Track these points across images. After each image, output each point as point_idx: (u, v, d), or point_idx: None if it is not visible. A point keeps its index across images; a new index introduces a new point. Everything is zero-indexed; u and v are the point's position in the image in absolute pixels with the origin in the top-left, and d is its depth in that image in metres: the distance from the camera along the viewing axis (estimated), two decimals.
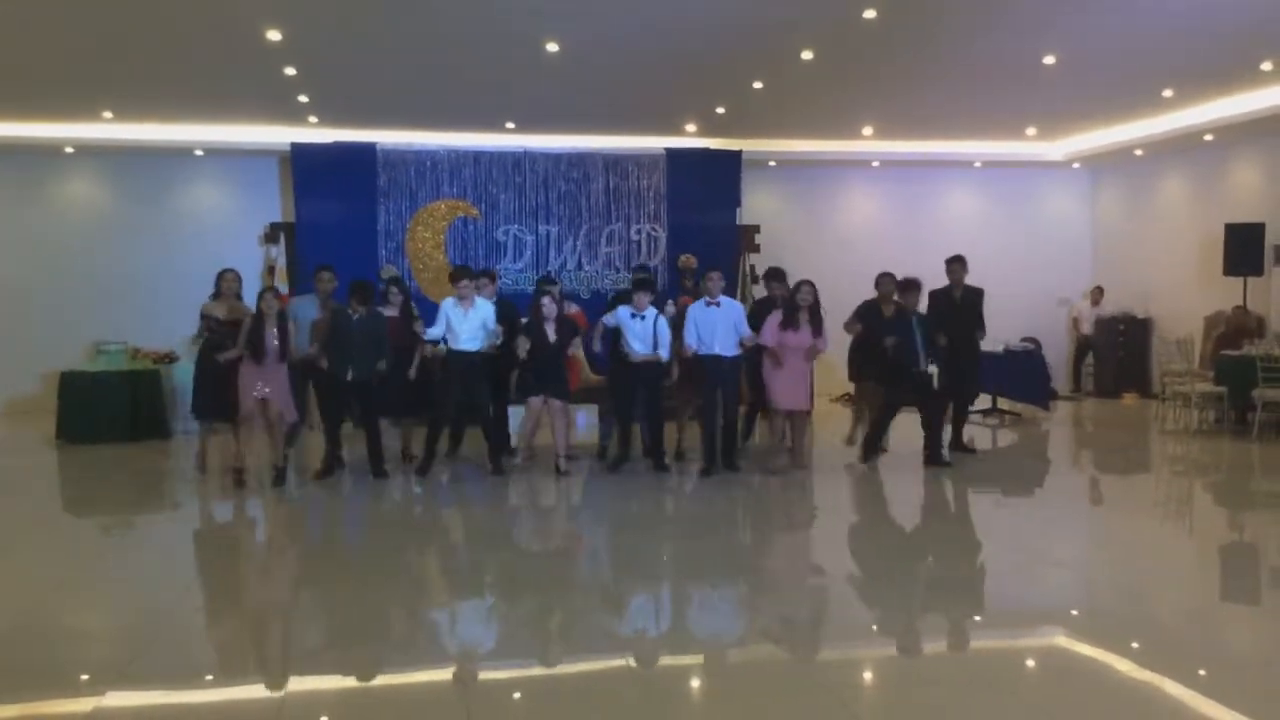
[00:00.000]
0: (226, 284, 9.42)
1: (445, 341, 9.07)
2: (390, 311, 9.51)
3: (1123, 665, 4.48)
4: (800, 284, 9.34)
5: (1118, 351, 15.51)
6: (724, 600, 5.68)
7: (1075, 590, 5.82)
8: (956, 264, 10.33)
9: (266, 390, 8.67)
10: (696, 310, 9.18)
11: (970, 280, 10.45)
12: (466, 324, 9.01)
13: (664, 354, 9.11)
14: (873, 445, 9.61)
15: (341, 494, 8.69)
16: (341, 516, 8.16)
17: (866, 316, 9.61)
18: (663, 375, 9.28)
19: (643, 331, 9.00)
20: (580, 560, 6.79)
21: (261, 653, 4.96)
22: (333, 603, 5.64)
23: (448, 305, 9.13)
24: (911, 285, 9.39)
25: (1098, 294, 15.98)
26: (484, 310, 9.13)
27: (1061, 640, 4.86)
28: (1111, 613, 5.31)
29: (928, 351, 9.29)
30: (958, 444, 10.29)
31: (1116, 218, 16.40)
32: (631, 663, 4.59)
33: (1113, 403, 15.03)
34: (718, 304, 9.12)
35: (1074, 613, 5.31)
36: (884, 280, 9.72)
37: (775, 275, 10.39)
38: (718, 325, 9.06)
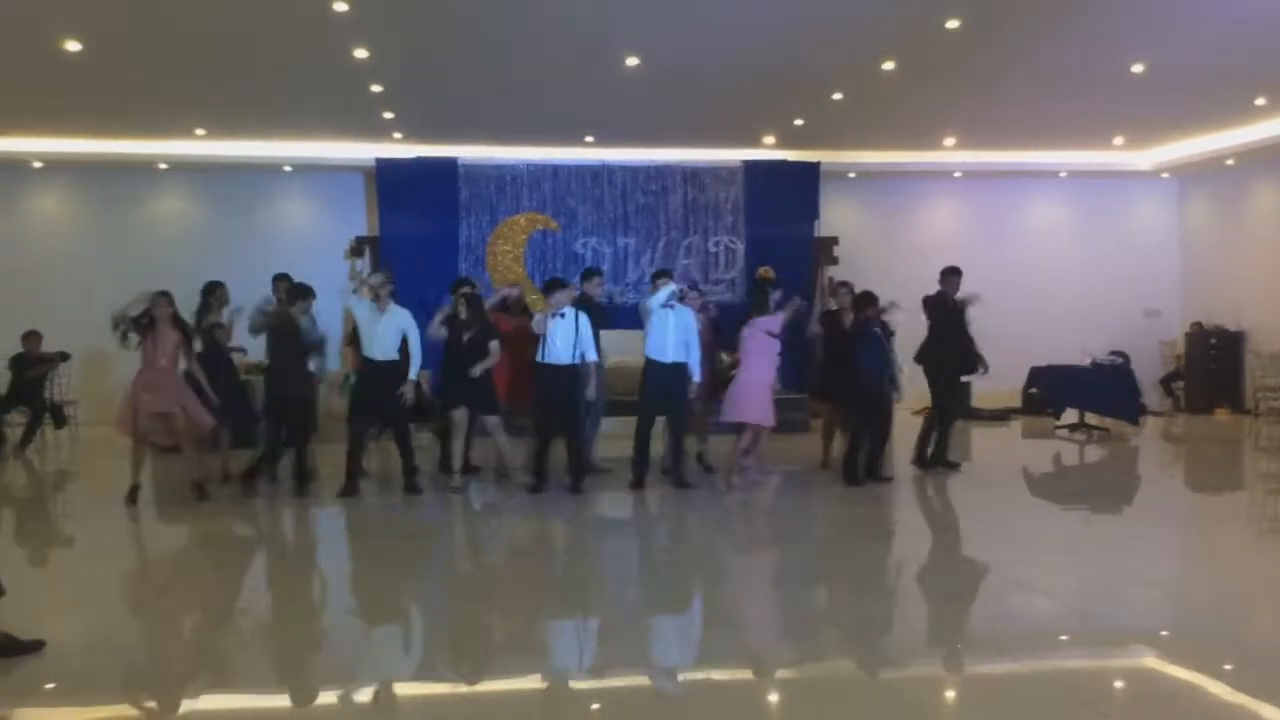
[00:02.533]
0: (216, 299, 9.62)
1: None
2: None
3: (1215, 688, 4.37)
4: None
5: (1209, 365, 15.13)
6: (797, 611, 5.66)
7: (1165, 611, 5.68)
8: (953, 276, 9.75)
9: (149, 401, 8.52)
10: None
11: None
12: (379, 329, 8.74)
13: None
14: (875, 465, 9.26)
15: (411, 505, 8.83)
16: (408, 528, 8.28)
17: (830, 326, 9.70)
18: (579, 386, 8.97)
19: (566, 331, 8.77)
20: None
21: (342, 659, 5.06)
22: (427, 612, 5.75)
23: (357, 306, 8.83)
24: (868, 299, 9.20)
25: (1197, 329, 15.52)
26: (400, 318, 8.78)
27: (1151, 662, 4.75)
28: (1203, 634, 5.17)
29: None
30: (941, 457, 9.82)
31: (1207, 229, 16.00)
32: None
33: (1205, 418, 14.65)
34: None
35: (1164, 633, 5.18)
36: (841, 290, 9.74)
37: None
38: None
